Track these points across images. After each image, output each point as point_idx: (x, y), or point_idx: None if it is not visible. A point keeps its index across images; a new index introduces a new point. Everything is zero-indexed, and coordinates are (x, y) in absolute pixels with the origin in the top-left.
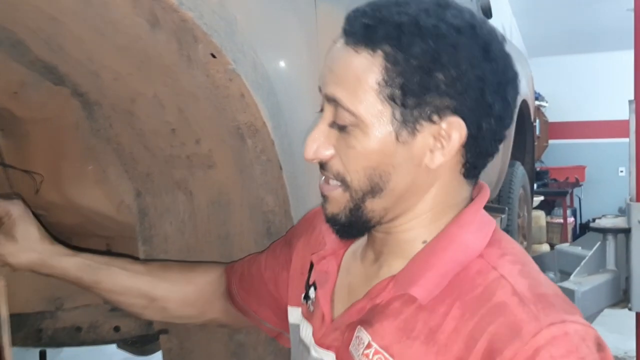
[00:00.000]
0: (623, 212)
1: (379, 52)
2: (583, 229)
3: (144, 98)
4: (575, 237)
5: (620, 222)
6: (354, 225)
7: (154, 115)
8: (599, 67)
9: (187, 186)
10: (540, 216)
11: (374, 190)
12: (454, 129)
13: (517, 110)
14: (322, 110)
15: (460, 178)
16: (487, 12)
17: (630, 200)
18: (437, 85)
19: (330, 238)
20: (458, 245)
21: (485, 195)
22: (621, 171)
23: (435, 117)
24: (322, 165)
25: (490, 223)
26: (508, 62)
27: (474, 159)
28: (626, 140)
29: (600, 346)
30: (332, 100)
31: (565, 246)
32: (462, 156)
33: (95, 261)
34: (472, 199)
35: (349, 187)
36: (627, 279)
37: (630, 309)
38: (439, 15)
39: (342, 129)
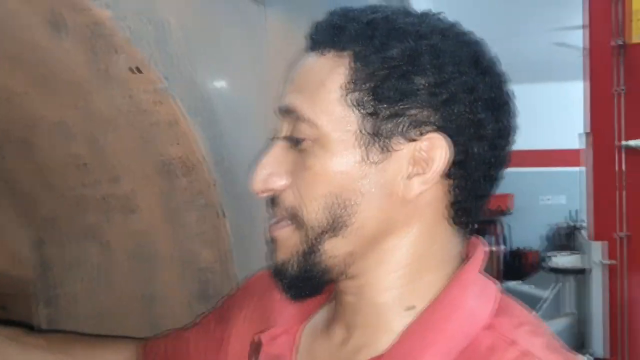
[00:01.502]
0: (548, 240)
1: (347, 52)
2: (513, 257)
3: (46, 124)
4: (505, 265)
5: (576, 261)
6: (308, 278)
7: (60, 145)
8: (524, 98)
9: (102, 234)
10: None
11: (335, 225)
12: (437, 149)
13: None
14: (274, 138)
15: (446, 224)
16: None
17: (587, 238)
18: (416, 92)
19: (282, 310)
20: (463, 313)
21: (483, 252)
22: (548, 199)
23: (413, 133)
24: (273, 201)
25: (492, 285)
26: (503, 80)
27: (462, 198)
28: (553, 169)
29: None
30: (288, 112)
31: (515, 284)
32: (446, 192)
33: None
34: (466, 258)
35: (302, 223)
36: (584, 322)
37: (591, 355)
38: (420, 17)
39: (298, 144)
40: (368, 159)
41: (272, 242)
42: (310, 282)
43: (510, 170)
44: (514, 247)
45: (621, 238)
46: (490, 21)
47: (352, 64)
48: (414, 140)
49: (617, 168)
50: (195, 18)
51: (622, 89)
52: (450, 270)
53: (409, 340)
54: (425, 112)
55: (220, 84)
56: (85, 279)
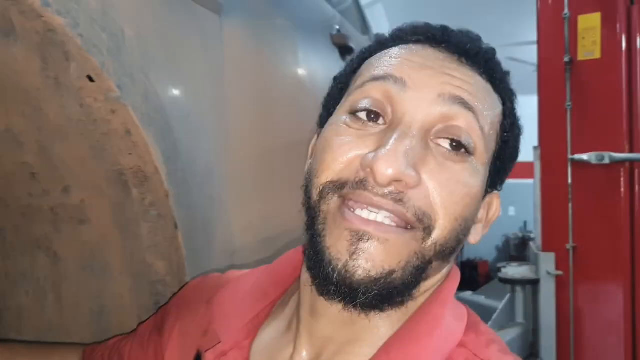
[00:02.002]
0: (498, 250)
1: (500, 101)
2: (465, 268)
3: None
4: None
5: (527, 272)
6: (398, 294)
7: (7, 154)
8: None
9: (51, 246)
10: None
11: (454, 250)
12: (494, 205)
13: None
14: (362, 111)
15: None
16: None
17: (537, 249)
18: (512, 160)
19: (224, 324)
20: (443, 331)
21: (458, 273)
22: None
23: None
24: (396, 196)
25: (461, 304)
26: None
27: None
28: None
29: None
30: (464, 106)
31: (468, 295)
32: None
33: None
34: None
35: (430, 233)
36: (535, 332)
37: None
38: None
39: (457, 150)
40: (485, 192)
41: (364, 239)
42: (395, 299)
43: None
44: (465, 258)
45: (568, 250)
46: None
47: (503, 113)
48: (489, 192)
49: (570, 181)
50: (150, 27)
51: (569, 105)
52: (429, 287)
53: (390, 354)
54: (502, 176)
55: (175, 93)
56: (32, 291)
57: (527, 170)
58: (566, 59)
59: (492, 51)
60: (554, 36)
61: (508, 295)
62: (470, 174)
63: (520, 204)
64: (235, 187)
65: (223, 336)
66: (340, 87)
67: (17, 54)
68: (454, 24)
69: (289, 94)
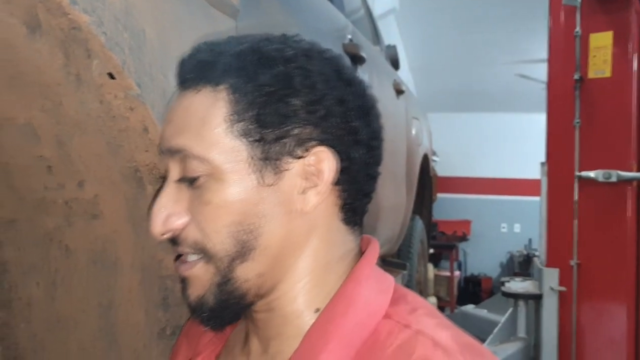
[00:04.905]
0: (502, 266)
1: (223, 86)
2: (468, 283)
3: (12, 124)
4: (460, 290)
5: (530, 287)
6: (226, 307)
7: (25, 147)
8: (486, 127)
9: (63, 239)
10: (430, 269)
11: (244, 251)
12: (324, 161)
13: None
14: (163, 177)
15: (341, 225)
16: (395, 64)
17: (541, 264)
18: (295, 112)
19: (201, 340)
20: (359, 306)
21: (376, 247)
22: (503, 227)
23: (299, 150)
24: (175, 240)
25: (388, 277)
26: (365, 87)
27: (351, 199)
28: (510, 197)
29: None
30: (176, 152)
31: (470, 308)
32: (337, 197)
33: None
34: (360, 253)
35: (211, 256)
36: (536, 347)
37: None
38: (282, 41)
39: (193, 183)
40: (263, 182)
41: (183, 281)
42: (229, 310)
43: (471, 196)
44: (469, 273)
45: (572, 266)
46: (457, 50)
47: (230, 96)
48: (301, 157)
49: (576, 197)
50: (170, 28)
51: (578, 122)
52: (348, 267)
53: (311, 339)
54: (306, 130)
55: None
56: (42, 283)
57: (533, 188)
58: (576, 77)
59: (211, 47)
60: (565, 54)
61: (510, 310)
62: (213, 191)
63: (525, 221)
64: None
65: (197, 351)
66: None
67: (42, 50)
68: (465, 39)
69: None
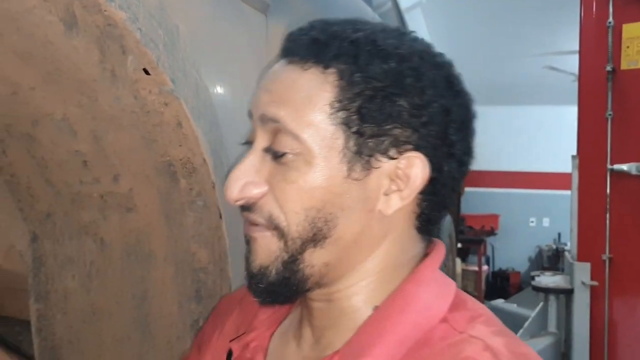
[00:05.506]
0: (531, 261)
1: (332, 70)
2: (496, 278)
3: (49, 120)
4: (488, 285)
5: (561, 281)
6: (285, 285)
7: (62, 142)
8: (515, 120)
9: (98, 232)
10: (457, 263)
11: (316, 238)
12: (414, 167)
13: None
14: (248, 142)
15: (414, 233)
16: None
17: (572, 258)
18: (400, 113)
19: (253, 320)
20: (417, 307)
21: (441, 251)
22: (532, 221)
23: (393, 152)
24: (249, 207)
25: (450, 282)
26: (470, 99)
27: (429, 210)
28: (538, 191)
29: None
30: (270, 121)
31: (500, 302)
32: (417, 205)
33: None
34: (426, 255)
35: (284, 233)
36: (567, 342)
37: None
38: (398, 37)
39: (279, 158)
40: (350, 175)
41: (250, 242)
42: (286, 289)
43: (499, 190)
44: (497, 268)
45: (603, 260)
46: (485, 42)
47: (339, 82)
48: (393, 158)
49: (608, 191)
50: (202, 24)
51: (610, 114)
52: (411, 269)
53: (366, 331)
54: (405, 133)
55: (223, 89)
56: (78, 275)
57: (562, 181)
58: (608, 68)
59: (326, 27)
60: (597, 45)
61: (541, 304)
62: (300, 172)
63: (554, 215)
64: None
65: (249, 330)
66: None
67: (78, 46)
68: (492, 32)
69: None
